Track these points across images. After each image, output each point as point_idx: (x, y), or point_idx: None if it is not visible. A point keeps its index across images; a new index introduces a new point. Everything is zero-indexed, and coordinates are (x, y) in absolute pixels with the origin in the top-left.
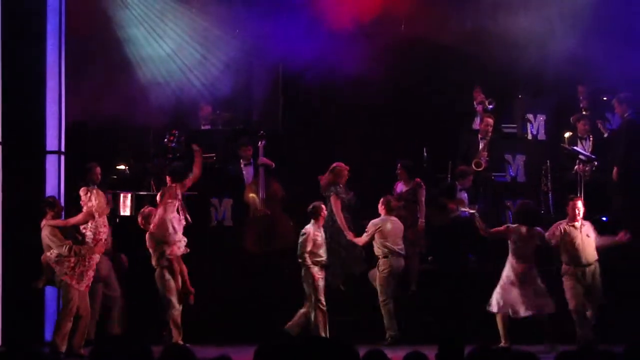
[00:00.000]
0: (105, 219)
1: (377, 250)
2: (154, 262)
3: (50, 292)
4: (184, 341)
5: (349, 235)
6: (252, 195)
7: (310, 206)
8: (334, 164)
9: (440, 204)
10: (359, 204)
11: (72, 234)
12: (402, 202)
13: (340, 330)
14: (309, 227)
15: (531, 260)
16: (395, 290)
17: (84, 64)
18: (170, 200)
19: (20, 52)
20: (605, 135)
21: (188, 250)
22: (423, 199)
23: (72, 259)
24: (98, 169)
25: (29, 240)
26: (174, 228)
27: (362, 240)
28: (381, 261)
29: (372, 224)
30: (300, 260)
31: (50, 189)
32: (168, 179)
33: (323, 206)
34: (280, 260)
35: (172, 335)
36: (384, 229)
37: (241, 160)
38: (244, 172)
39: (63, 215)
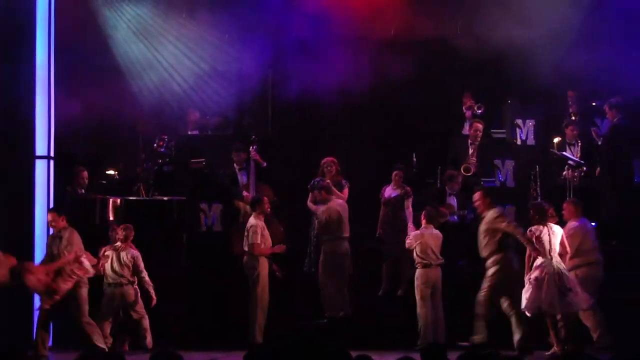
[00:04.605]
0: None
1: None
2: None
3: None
4: (175, 347)
5: None
6: (241, 202)
7: None
8: None
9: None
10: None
11: None
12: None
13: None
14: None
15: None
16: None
17: (73, 69)
18: None
19: (9, 57)
20: (599, 143)
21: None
22: (411, 206)
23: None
24: (85, 173)
25: (18, 245)
26: None
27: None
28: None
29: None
30: None
31: (40, 194)
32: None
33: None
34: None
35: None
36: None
37: (235, 165)
38: (238, 176)
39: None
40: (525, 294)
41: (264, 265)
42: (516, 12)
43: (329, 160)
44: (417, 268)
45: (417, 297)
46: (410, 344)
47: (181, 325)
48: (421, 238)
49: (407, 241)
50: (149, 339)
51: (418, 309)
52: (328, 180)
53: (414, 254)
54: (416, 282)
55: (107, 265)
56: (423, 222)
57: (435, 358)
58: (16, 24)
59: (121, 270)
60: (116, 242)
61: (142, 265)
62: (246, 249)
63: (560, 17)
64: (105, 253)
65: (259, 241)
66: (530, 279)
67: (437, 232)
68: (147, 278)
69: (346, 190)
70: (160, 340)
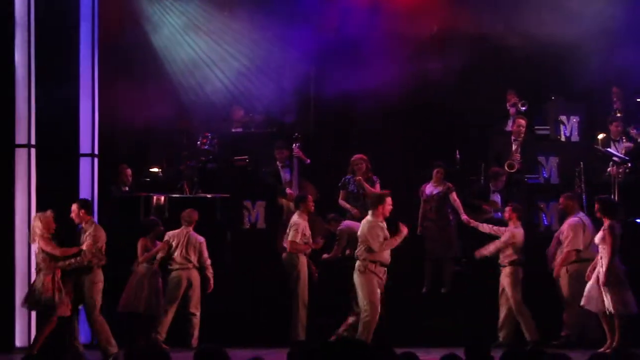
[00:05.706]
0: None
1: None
2: None
3: None
4: (219, 342)
5: None
6: (284, 200)
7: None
8: None
9: (474, 206)
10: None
11: None
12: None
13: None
14: None
15: None
16: None
17: (117, 66)
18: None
19: (54, 56)
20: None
21: None
22: (457, 199)
23: None
24: (128, 171)
25: (61, 243)
26: None
27: None
28: None
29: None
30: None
31: (84, 191)
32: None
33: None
34: (315, 262)
35: None
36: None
37: (278, 163)
38: (281, 173)
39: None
40: (615, 295)
41: (303, 263)
42: (560, 8)
43: (359, 157)
44: (506, 266)
45: (517, 297)
46: (454, 341)
47: (225, 322)
48: (515, 237)
49: (503, 239)
50: (195, 336)
51: (517, 308)
52: (359, 177)
53: (508, 251)
54: (509, 280)
55: (176, 251)
56: (513, 219)
57: (480, 355)
58: (60, 23)
59: (189, 254)
60: (158, 235)
61: (206, 252)
62: (285, 245)
63: (604, 14)
64: (165, 240)
65: (297, 239)
66: (614, 279)
67: (522, 229)
68: (210, 266)
69: (377, 186)
70: (204, 337)
